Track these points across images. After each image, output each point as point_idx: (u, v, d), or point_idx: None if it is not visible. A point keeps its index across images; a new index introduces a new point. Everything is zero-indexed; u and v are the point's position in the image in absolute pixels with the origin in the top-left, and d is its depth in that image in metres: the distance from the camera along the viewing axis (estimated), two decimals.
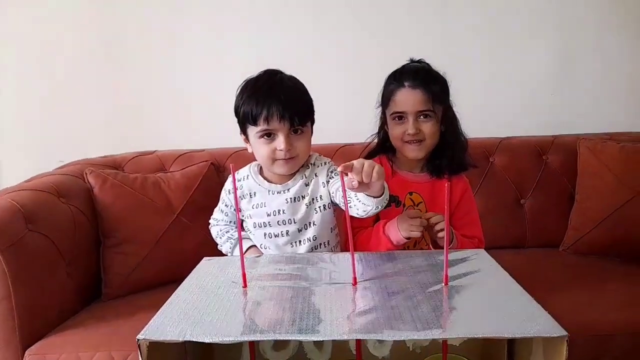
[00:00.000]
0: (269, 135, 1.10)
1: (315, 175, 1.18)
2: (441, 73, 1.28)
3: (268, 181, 1.19)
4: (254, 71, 1.19)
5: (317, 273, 0.88)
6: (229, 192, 1.24)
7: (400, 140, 1.25)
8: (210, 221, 1.32)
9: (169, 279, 1.45)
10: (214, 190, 1.63)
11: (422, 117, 1.23)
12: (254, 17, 1.89)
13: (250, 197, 1.19)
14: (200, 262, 0.98)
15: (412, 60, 1.31)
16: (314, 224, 1.17)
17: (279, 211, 1.16)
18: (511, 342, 0.84)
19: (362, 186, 0.91)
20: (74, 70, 1.90)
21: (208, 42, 1.90)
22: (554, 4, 1.90)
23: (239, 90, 1.15)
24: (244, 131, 1.16)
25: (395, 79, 1.27)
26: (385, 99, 1.29)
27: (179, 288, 0.84)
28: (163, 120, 1.93)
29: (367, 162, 0.91)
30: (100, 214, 1.48)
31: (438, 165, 1.30)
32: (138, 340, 0.66)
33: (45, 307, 1.27)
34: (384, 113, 1.32)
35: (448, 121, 1.28)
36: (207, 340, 0.66)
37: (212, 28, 1.90)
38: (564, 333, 0.63)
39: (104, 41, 1.89)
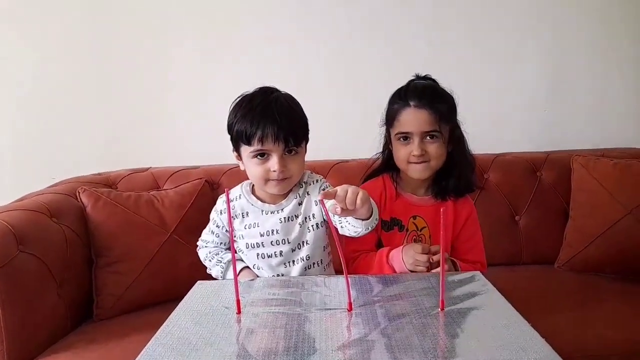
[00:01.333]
0: (262, 155, 1.08)
1: (308, 194, 1.17)
2: (448, 90, 1.24)
3: (261, 201, 1.17)
4: (247, 88, 1.17)
5: (311, 298, 0.87)
6: (221, 212, 1.22)
7: (405, 162, 1.22)
8: (199, 243, 1.29)
9: (162, 298, 1.44)
10: (208, 207, 1.61)
11: (428, 137, 1.19)
12: (246, 34, 1.89)
13: (243, 217, 1.18)
14: (194, 287, 0.97)
15: (417, 77, 1.27)
16: (307, 243, 1.16)
17: (272, 231, 1.15)
18: None
19: (347, 212, 0.91)
20: (67, 88, 1.89)
21: (201, 59, 1.90)
22: (547, 21, 1.91)
23: (232, 107, 1.14)
24: (236, 149, 1.15)
25: (401, 98, 1.22)
26: (390, 118, 1.24)
27: (172, 314, 0.83)
28: (157, 137, 1.92)
29: (350, 189, 0.90)
30: (93, 233, 1.46)
31: (444, 187, 1.26)
32: None
33: (35, 329, 1.25)
34: (388, 132, 1.28)
35: (455, 140, 1.24)
36: None
37: (205, 45, 1.90)
38: None
39: (97, 59, 1.88)
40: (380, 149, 1.34)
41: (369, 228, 1.02)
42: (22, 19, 1.86)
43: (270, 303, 0.86)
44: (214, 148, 1.87)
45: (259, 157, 1.08)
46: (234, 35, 1.89)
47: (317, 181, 1.20)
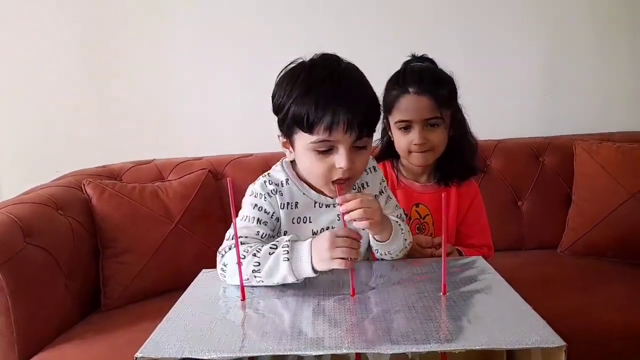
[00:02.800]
0: (325, 147, 0.85)
1: (367, 185, 0.99)
2: (447, 72, 1.19)
3: (315, 191, 0.95)
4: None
5: (315, 284, 0.88)
6: (266, 196, 0.93)
7: (407, 151, 1.17)
8: (222, 249, 0.92)
9: (169, 287, 1.46)
10: (213, 197, 1.65)
11: (429, 125, 1.14)
12: (248, 24, 1.89)
13: (291, 208, 0.94)
14: (199, 275, 0.98)
15: (414, 57, 1.21)
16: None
17: (327, 229, 0.94)
18: (511, 350, 0.84)
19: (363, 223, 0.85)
20: (71, 81, 1.90)
21: (205, 51, 1.90)
22: (548, 4, 1.90)
23: (283, 79, 0.88)
24: (287, 135, 0.90)
25: (399, 83, 1.16)
26: (388, 106, 1.17)
27: (177, 302, 0.84)
28: (160, 129, 1.93)
29: (365, 203, 0.85)
30: (99, 225, 1.48)
31: (446, 173, 1.22)
32: (136, 358, 0.66)
33: (43, 320, 1.26)
34: (386, 119, 1.21)
35: (457, 125, 1.20)
36: (205, 357, 0.66)
37: (208, 36, 1.90)
38: (562, 343, 0.63)
39: (100, 52, 1.89)
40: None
41: (391, 252, 0.95)
42: (24, 11, 1.86)
43: (274, 289, 0.87)
44: (217, 139, 1.89)
45: (320, 149, 0.86)
46: (236, 25, 1.89)
47: (374, 169, 1.02)
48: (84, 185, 1.51)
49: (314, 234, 0.93)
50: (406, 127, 1.16)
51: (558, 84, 1.94)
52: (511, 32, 1.91)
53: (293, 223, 0.94)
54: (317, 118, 0.82)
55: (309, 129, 0.83)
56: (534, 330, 0.67)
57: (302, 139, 0.86)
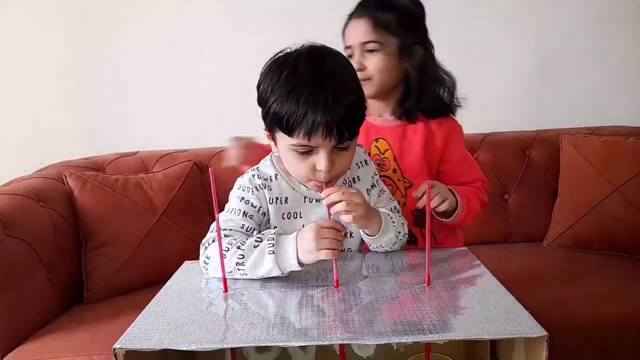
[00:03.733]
0: (305, 150, 0.85)
1: (358, 179, 0.97)
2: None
3: (305, 186, 0.93)
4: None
5: (299, 275, 0.87)
6: (254, 190, 0.92)
7: None
8: (205, 242, 0.90)
9: (153, 280, 1.43)
10: (197, 190, 1.63)
11: (367, 51, 1.07)
12: (232, 15, 1.86)
13: (281, 203, 0.92)
14: (182, 266, 0.97)
15: None
16: (351, 235, 0.98)
17: None
18: (494, 340, 0.84)
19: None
20: (55, 73, 1.86)
21: (188, 42, 1.88)
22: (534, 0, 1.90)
23: (267, 71, 0.86)
24: (270, 130, 0.89)
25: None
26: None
27: (157, 294, 0.82)
28: (144, 120, 1.90)
29: (347, 196, 0.84)
30: (81, 217, 1.45)
31: (406, 107, 1.13)
32: (114, 349, 0.65)
33: (25, 313, 1.25)
34: None
35: (411, 56, 1.10)
36: (184, 348, 0.65)
37: (193, 28, 1.87)
38: (544, 333, 0.63)
39: (83, 42, 1.85)
40: None
41: (383, 246, 0.94)
42: (7, 3, 1.82)
43: (258, 281, 0.85)
44: (202, 131, 1.87)
45: (300, 151, 0.85)
46: (222, 17, 1.87)
47: (366, 162, 0.99)
48: (65, 176, 1.48)
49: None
50: (349, 55, 1.10)
51: (545, 78, 1.94)
52: (499, 25, 1.91)
53: (283, 218, 0.93)
54: (297, 123, 0.80)
55: (289, 132, 0.82)
56: (517, 321, 0.67)
57: (283, 139, 0.85)
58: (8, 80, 1.86)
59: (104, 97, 1.89)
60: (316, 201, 0.93)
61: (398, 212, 1.00)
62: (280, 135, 0.85)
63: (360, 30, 1.07)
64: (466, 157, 1.22)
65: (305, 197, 0.93)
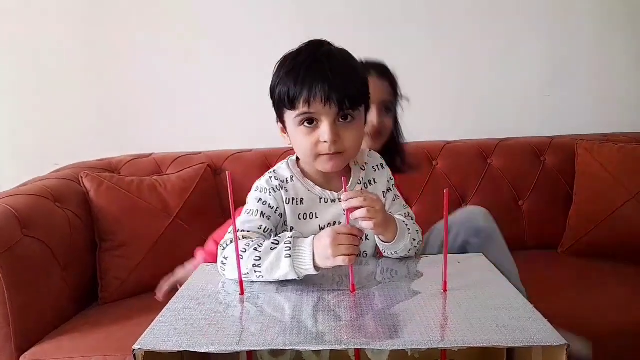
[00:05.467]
0: (310, 122, 0.88)
1: (374, 181, 0.99)
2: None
3: (320, 186, 0.96)
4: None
5: (314, 279, 0.87)
6: (272, 191, 0.94)
7: None
8: (224, 243, 0.90)
9: None
10: (211, 192, 1.64)
11: (385, 109, 1.27)
12: (247, 18, 1.87)
13: (296, 205, 0.94)
14: (197, 269, 0.97)
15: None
16: (367, 238, 0.98)
17: (334, 224, 0.94)
18: (511, 348, 0.83)
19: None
20: (69, 73, 1.88)
21: (205, 45, 1.89)
22: (550, 3, 1.89)
23: (276, 67, 0.92)
24: (280, 118, 0.94)
25: None
26: None
27: (175, 296, 0.83)
28: (159, 122, 1.92)
29: (368, 202, 0.85)
30: (96, 218, 1.47)
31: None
32: (134, 350, 0.65)
33: (40, 313, 1.26)
34: None
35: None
36: (203, 350, 0.65)
37: (206, 30, 1.88)
38: (564, 342, 0.62)
39: (99, 44, 1.87)
40: None
41: (398, 252, 0.94)
42: (20, 4, 1.84)
43: (274, 284, 0.86)
44: (216, 134, 1.88)
45: (306, 124, 0.88)
46: (237, 19, 1.88)
47: (382, 166, 1.02)
48: (81, 177, 1.50)
49: (321, 229, 0.93)
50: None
51: (560, 83, 1.93)
52: (512, 31, 1.90)
53: (299, 219, 0.94)
54: (297, 93, 0.86)
55: (291, 105, 0.87)
56: (535, 329, 0.66)
57: (289, 117, 0.90)
58: (24, 80, 1.89)
59: (119, 98, 1.90)
60: (331, 201, 0.95)
61: (412, 219, 1.00)
62: (287, 115, 0.90)
63: (384, 90, 1.25)
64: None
65: (320, 198, 0.95)
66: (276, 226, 0.95)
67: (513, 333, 0.66)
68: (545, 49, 1.91)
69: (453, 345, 0.65)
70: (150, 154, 1.77)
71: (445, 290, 0.80)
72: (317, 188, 0.95)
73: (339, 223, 0.94)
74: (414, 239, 0.96)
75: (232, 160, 1.72)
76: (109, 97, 1.91)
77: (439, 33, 1.88)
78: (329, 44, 0.92)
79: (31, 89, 1.90)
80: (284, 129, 0.94)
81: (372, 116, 1.20)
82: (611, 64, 1.92)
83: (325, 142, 0.87)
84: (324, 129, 0.87)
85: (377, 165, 1.01)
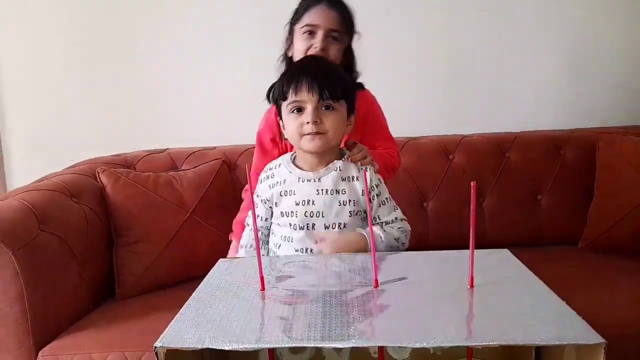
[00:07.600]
0: (299, 110, 1.07)
1: (356, 179, 1.12)
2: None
3: (300, 169, 1.14)
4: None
5: (336, 275, 0.86)
6: (262, 180, 1.17)
7: (304, 52, 1.26)
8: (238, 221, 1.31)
9: (183, 277, 1.45)
10: (227, 188, 1.63)
11: (332, 37, 1.26)
12: (261, 12, 1.85)
13: (280, 185, 1.13)
14: (217, 264, 0.96)
15: None
16: (344, 226, 1.10)
17: (308, 201, 1.10)
18: (539, 347, 0.81)
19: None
20: (84, 69, 1.89)
21: (219, 41, 1.88)
22: None
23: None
24: (279, 113, 1.13)
25: None
26: (298, 14, 1.30)
27: (195, 291, 0.82)
28: (174, 118, 1.91)
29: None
30: (113, 213, 1.46)
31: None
32: (155, 348, 0.64)
33: (58, 308, 1.26)
34: (292, 28, 1.32)
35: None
36: (226, 347, 0.64)
37: (222, 26, 1.87)
38: (601, 340, 0.60)
39: (115, 39, 1.87)
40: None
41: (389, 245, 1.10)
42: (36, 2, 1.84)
43: (295, 279, 0.84)
44: (231, 129, 1.87)
45: (295, 111, 1.07)
46: (249, 14, 1.86)
47: (366, 169, 1.15)
48: (98, 173, 1.50)
49: (297, 204, 1.11)
50: (310, 31, 1.26)
51: (580, 75, 1.89)
52: (532, 23, 1.87)
53: (281, 195, 1.13)
54: (288, 85, 1.07)
55: (284, 96, 1.08)
56: (569, 326, 0.64)
57: (284, 109, 1.10)
58: (40, 76, 1.89)
59: (134, 93, 1.90)
60: (307, 181, 1.12)
61: (401, 220, 1.14)
62: (283, 108, 1.10)
63: (331, 20, 1.25)
64: (385, 129, 1.35)
65: (298, 178, 1.12)
66: (267, 211, 1.16)
67: (545, 330, 0.63)
68: (566, 40, 1.87)
69: (483, 343, 0.63)
70: (165, 149, 1.76)
71: (471, 287, 0.78)
72: (297, 170, 1.13)
73: (312, 202, 1.10)
74: (391, 246, 1.10)
75: (247, 155, 1.71)
76: (124, 92, 1.90)
77: (457, 24, 1.85)
78: (322, 58, 1.18)
79: (47, 85, 1.90)
80: (284, 126, 1.12)
81: (317, 41, 1.24)
82: (633, 56, 1.87)
83: (308, 122, 1.05)
84: (308, 111, 1.06)
85: (362, 168, 1.14)
